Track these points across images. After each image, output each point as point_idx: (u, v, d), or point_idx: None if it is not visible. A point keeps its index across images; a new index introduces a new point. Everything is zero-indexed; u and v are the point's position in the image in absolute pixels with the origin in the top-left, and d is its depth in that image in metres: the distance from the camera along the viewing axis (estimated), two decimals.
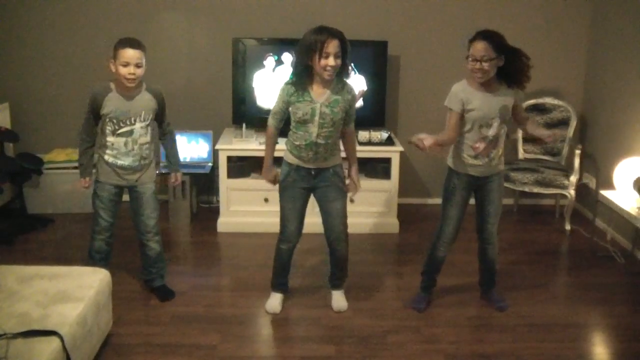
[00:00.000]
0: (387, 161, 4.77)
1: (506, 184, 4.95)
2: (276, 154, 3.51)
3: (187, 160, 5.07)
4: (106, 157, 3.48)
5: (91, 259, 3.65)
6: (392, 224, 4.89)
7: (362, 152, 4.72)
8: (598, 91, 5.20)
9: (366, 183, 4.74)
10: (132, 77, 3.32)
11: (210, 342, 3.30)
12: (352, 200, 3.70)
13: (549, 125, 5.19)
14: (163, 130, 3.68)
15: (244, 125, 4.86)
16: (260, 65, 4.91)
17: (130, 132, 3.43)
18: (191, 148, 5.10)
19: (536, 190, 4.91)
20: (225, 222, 4.85)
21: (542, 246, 4.70)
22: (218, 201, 4.95)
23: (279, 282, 3.70)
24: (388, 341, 3.34)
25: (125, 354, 3.16)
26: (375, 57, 4.96)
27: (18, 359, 2.36)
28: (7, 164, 4.64)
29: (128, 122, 3.42)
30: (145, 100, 3.46)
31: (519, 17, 5.21)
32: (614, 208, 4.14)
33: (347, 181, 3.54)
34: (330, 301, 3.70)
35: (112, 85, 3.43)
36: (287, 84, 3.31)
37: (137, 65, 3.32)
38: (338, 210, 3.48)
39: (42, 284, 2.93)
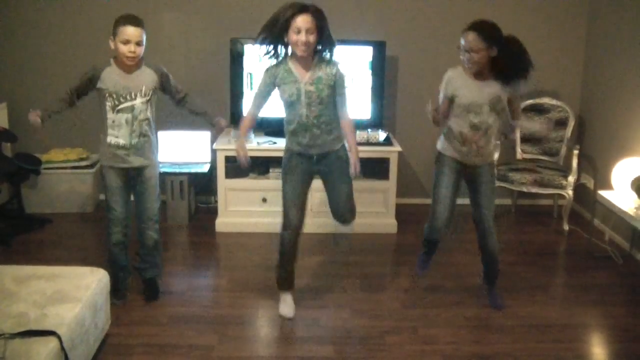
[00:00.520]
0: (385, 161, 4.77)
1: (504, 184, 4.96)
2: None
3: (185, 160, 5.07)
4: (108, 138, 3.41)
5: (111, 254, 3.61)
6: (390, 224, 4.89)
7: (360, 152, 4.70)
8: (596, 91, 5.20)
9: (364, 183, 4.74)
10: (132, 55, 3.27)
11: (208, 342, 3.29)
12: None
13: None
14: (178, 98, 3.59)
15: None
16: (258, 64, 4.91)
17: (131, 108, 3.37)
18: (189, 148, 5.10)
19: (534, 190, 4.91)
20: (224, 222, 4.84)
21: (540, 246, 4.71)
22: (216, 201, 4.95)
23: (284, 278, 3.57)
24: (386, 342, 3.34)
25: (123, 354, 3.16)
26: (373, 58, 4.96)
27: (16, 359, 2.36)
28: (5, 164, 4.64)
29: (128, 97, 3.35)
30: (145, 75, 3.41)
31: (518, 18, 5.21)
32: (612, 208, 4.15)
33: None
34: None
35: (112, 61, 3.39)
36: (270, 67, 3.30)
37: (138, 44, 3.27)
38: (344, 193, 3.44)
39: (39, 284, 2.92)
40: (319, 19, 3.12)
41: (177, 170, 4.96)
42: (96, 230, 4.90)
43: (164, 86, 3.50)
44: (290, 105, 3.28)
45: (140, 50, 3.31)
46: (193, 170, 5.01)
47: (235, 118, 5.00)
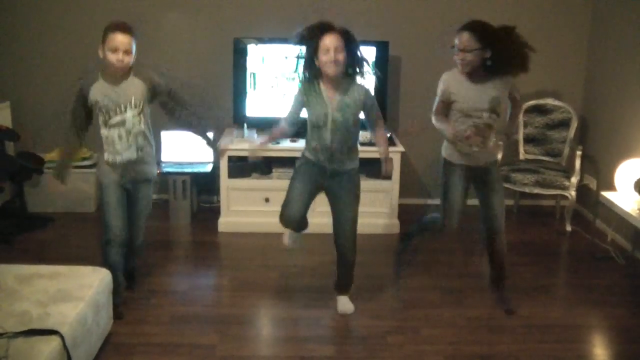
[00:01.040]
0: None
1: (506, 185, 4.95)
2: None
3: (188, 160, 5.07)
4: (105, 155, 3.34)
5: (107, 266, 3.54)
6: (392, 224, 4.89)
7: (363, 152, 4.70)
8: (599, 92, 5.20)
9: (367, 183, 4.74)
10: (120, 64, 3.16)
11: (209, 342, 3.30)
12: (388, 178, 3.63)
13: (550, 127, 5.19)
14: (172, 108, 3.51)
15: (244, 125, 4.86)
16: (261, 65, 4.92)
17: (123, 122, 3.26)
18: (192, 148, 5.10)
19: (536, 191, 4.91)
20: (226, 222, 4.85)
21: (542, 247, 4.70)
22: (219, 201, 4.96)
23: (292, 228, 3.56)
24: (388, 342, 3.34)
25: (125, 353, 3.17)
26: (376, 58, 4.96)
27: (18, 358, 2.36)
28: (8, 163, 4.65)
29: (118, 111, 3.24)
30: (134, 86, 3.28)
31: (520, 18, 5.18)
32: (615, 209, 4.14)
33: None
34: (336, 304, 3.66)
35: (100, 75, 3.28)
36: (303, 84, 3.27)
37: (126, 52, 3.16)
38: (350, 216, 3.42)
39: (42, 283, 2.93)
40: (347, 39, 3.13)
41: (180, 170, 4.97)
42: (98, 230, 4.89)
43: (157, 93, 3.39)
44: (316, 128, 3.26)
45: (129, 59, 3.20)
46: (196, 169, 5.01)
47: (238, 118, 5.01)
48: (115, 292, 3.39)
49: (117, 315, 3.39)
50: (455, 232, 3.59)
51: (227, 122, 5.16)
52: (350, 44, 3.14)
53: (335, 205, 3.45)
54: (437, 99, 3.44)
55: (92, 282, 3.01)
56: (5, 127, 4.79)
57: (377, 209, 4.82)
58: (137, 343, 3.26)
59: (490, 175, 3.50)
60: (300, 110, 3.33)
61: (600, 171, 5.04)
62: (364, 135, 4.81)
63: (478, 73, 3.30)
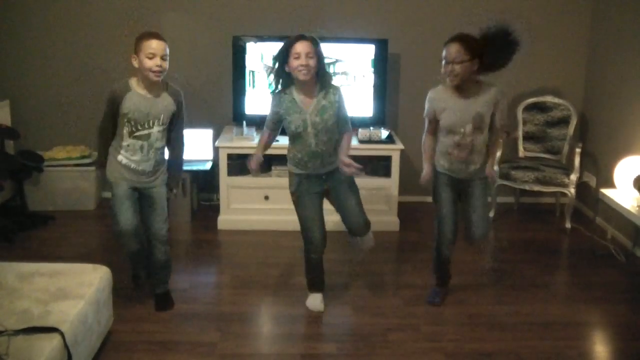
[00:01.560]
0: (387, 159, 4.78)
1: (506, 182, 4.96)
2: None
3: (188, 158, 5.06)
4: (119, 157, 3.33)
5: (134, 275, 3.71)
6: (392, 222, 4.89)
7: (363, 150, 4.73)
8: (598, 90, 5.20)
9: (366, 181, 4.75)
10: (159, 69, 3.17)
11: (210, 339, 3.30)
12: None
13: (550, 124, 5.20)
14: (174, 134, 3.48)
15: (244, 123, 4.86)
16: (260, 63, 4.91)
17: (148, 136, 3.29)
18: (192, 146, 5.10)
19: (536, 188, 4.91)
20: (226, 220, 4.85)
21: (542, 244, 4.70)
22: (218, 199, 4.95)
23: (316, 283, 3.65)
24: (389, 339, 3.34)
25: (125, 351, 3.17)
26: (375, 55, 4.96)
27: (19, 356, 2.36)
28: (8, 161, 4.64)
29: (146, 125, 3.27)
30: (165, 103, 3.31)
31: (520, 16, 5.19)
32: (615, 206, 4.14)
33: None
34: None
35: (132, 83, 3.26)
36: (274, 94, 3.32)
37: (163, 58, 3.19)
38: (354, 206, 3.48)
39: (42, 281, 2.93)
40: (316, 45, 3.20)
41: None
42: (99, 228, 4.91)
43: (174, 115, 3.39)
44: (297, 136, 3.29)
45: (166, 66, 3.21)
46: (195, 167, 5.01)
47: (237, 116, 5.01)
48: (136, 266, 3.65)
49: (140, 286, 3.71)
50: (452, 241, 3.58)
51: (226, 120, 5.17)
52: (318, 50, 3.21)
53: (339, 200, 3.49)
54: (426, 120, 3.50)
55: (93, 280, 3.01)
56: (6, 125, 4.79)
57: (377, 206, 4.82)
58: (137, 341, 3.26)
59: (472, 189, 3.51)
60: (278, 120, 3.35)
61: (599, 168, 5.04)
62: (363, 133, 4.82)
63: (465, 86, 3.31)
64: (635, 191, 4.05)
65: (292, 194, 3.46)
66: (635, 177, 4.08)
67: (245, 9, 5.14)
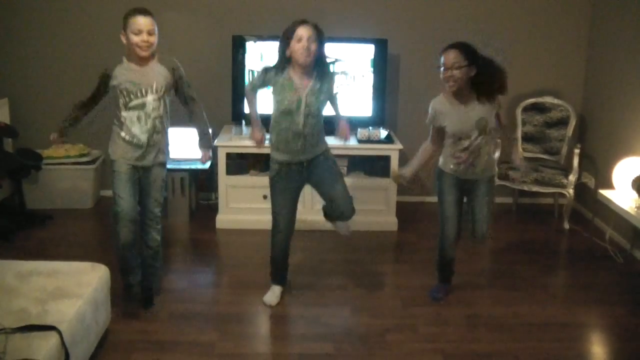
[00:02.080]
0: (386, 159, 4.77)
1: (505, 183, 4.96)
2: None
3: (186, 157, 5.06)
4: (122, 133, 3.35)
5: (121, 259, 3.51)
6: (390, 222, 4.89)
7: (361, 150, 4.73)
8: (597, 91, 5.20)
9: (365, 181, 4.75)
10: (145, 44, 3.20)
11: (208, 339, 3.29)
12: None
13: (549, 125, 5.20)
14: (188, 110, 3.55)
15: (243, 122, 4.86)
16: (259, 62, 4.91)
17: (143, 105, 3.30)
18: (190, 145, 5.09)
19: (535, 189, 4.92)
20: (224, 219, 4.84)
21: (541, 245, 4.71)
22: (217, 198, 4.95)
23: (278, 275, 3.72)
24: (386, 340, 3.34)
25: (123, 350, 3.16)
26: (375, 55, 4.96)
27: (16, 355, 2.36)
28: (6, 159, 4.63)
29: (139, 94, 3.28)
30: (157, 71, 3.33)
31: (519, 16, 5.21)
32: (613, 207, 4.15)
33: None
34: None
35: (124, 59, 3.33)
36: (270, 70, 3.36)
37: (149, 33, 3.21)
38: (340, 192, 3.51)
39: (40, 280, 2.93)
40: (319, 33, 3.27)
41: (178, 167, 4.96)
42: (97, 226, 4.91)
43: (176, 85, 3.43)
44: (286, 113, 3.33)
45: (154, 40, 3.24)
46: (194, 167, 5.00)
47: (237, 115, 5.00)
48: (128, 270, 3.51)
49: (133, 296, 3.55)
50: (454, 241, 3.62)
51: (225, 119, 5.16)
52: (320, 37, 3.28)
53: (322, 186, 3.53)
54: (432, 128, 3.53)
55: (91, 279, 3.01)
56: (4, 123, 4.78)
57: (375, 206, 4.82)
58: (135, 340, 3.25)
59: (478, 190, 3.55)
60: (263, 86, 3.43)
61: (598, 169, 5.05)
62: (362, 133, 4.82)
63: (464, 92, 3.35)
64: (634, 192, 4.06)
65: (270, 179, 3.50)
66: (633, 178, 4.08)
67: (245, 9, 5.13)
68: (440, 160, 3.61)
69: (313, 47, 3.23)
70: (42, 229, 4.73)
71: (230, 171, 4.76)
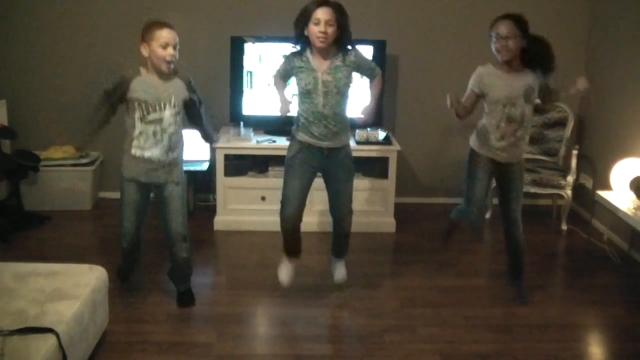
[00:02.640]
0: (384, 160, 4.77)
1: None
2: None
3: (184, 158, 5.05)
4: (133, 150, 3.28)
5: (121, 269, 3.66)
6: (389, 223, 4.89)
7: (360, 151, 4.72)
8: (596, 92, 5.20)
9: (363, 182, 4.75)
10: (171, 59, 3.16)
11: (206, 340, 3.29)
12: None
13: (547, 126, 5.20)
14: (195, 119, 3.50)
15: (241, 123, 4.86)
16: (258, 63, 4.91)
17: (160, 120, 3.24)
18: (188, 146, 5.08)
19: (533, 190, 4.92)
20: (222, 221, 4.84)
21: (539, 246, 4.71)
22: (215, 199, 4.95)
23: (289, 248, 3.60)
24: (385, 340, 3.34)
25: (121, 352, 3.16)
26: (373, 56, 4.95)
27: (14, 357, 2.35)
28: (4, 161, 4.63)
29: (157, 108, 3.22)
30: (176, 86, 3.29)
31: None
32: (611, 209, 4.15)
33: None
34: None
35: (142, 70, 3.24)
36: (289, 55, 3.33)
37: (175, 47, 3.17)
38: (348, 192, 3.51)
39: (38, 282, 2.92)
40: (340, 14, 3.18)
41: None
42: (95, 228, 4.91)
43: (188, 98, 3.37)
44: (306, 94, 3.28)
45: (177, 55, 3.21)
46: (192, 168, 5.00)
47: (234, 116, 5.00)
48: (127, 268, 3.67)
49: (123, 277, 3.70)
50: (478, 225, 3.68)
51: (223, 120, 5.16)
52: (341, 18, 3.21)
53: (333, 183, 3.50)
54: (467, 91, 3.50)
55: (89, 280, 3.00)
56: (2, 125, 4.78)
57: (373, 207, 4.82)
58: (133, 342, 3.25)
59: (514, 175, 3.57)
60: (287, 73, 3.39)
61: (596, 170, 5.05)
62: (360, 134, 4.82)
63: (514, 63, 3.38)
64: (632, 193, 4.06)
65: (288, 159, 3.44)
66: (631, 179, 4.08)
67: (244, 10, 5.13)
68: (472, 140, 3.61)
69: (330, 31, 3.15)
70: (40, 231, 4.73)
71: (228, 172, 4.76)
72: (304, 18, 3.19)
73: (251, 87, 4.96)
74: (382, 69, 4.95)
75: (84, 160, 5.12)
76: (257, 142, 4.78)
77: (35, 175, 4.97)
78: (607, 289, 4.01)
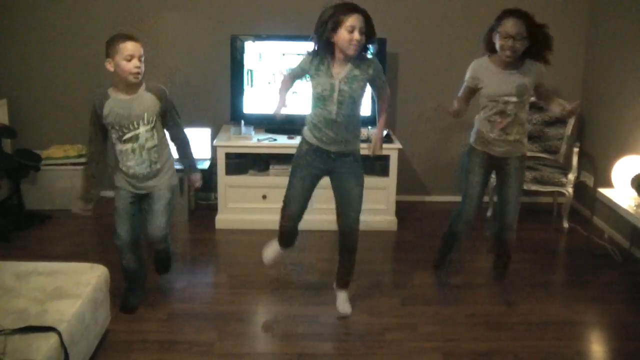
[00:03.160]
0: (385, 158, 4.77)
1: None
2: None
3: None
4: (120, 165, 3.33)
5: (125, 277, 3.56)
6: (390, 221, 4.89)
7: (361, 149, 4.71)
8: (596, 89, 5.20)
9: (365, 180, 4.73)
10: (138, 70, 3.12)
11: (208, 339, 3.29)
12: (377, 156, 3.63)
13: (547, 124, 5.20)
14: (171, 133, 3.48)
15: (242, 122, 4.86)
16: (258, 61, 4.91)
17: (136, 138, 3.24)
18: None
19: (534, 188, 4.91)
20: (223, 219, 4.84)
21: (540, 244, 4.71)
22: (216, 198, 4.95)
23: (285, 244, 3.60)
24: (386, 339, 3.35)
25: (122, 350, 3.16)
26: (373, 55, 4.94)
27: (16, 355, 2.36)
28: (5, 160, 4.63)
29: (131, 127, 3.21)
30: (146, 101, 3.24)
31: None
32: (612, 206, 4.14)
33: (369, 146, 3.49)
34: (335, 302, 3.63)
35: (110, 91, 3.23)
36: (309, 54, 3.24)
37: (140, 59, 3.13)
38: (356, 199, 3.40)
39: (39, 281, 2.93)
40: (369, 21, 3.11)
41: (177, 167, 4.94)
42: (96, 227, 4.91)
43: (164, 112, 3.33)
44: (320, 99, 3.22)
45: (143, 67, 3.16)
46: None
47: (235, 115, 5.00)
48: (130, 289, 3.54)
49: (130, 309, 3.53)
50: (470, 221, 3.62)
51: (224, 119, 5.16)
52: (369, 26, 3.12)
53: (341, 189, 3.41)
54: (463, 85, 3.49)
55: (90, 279, 3.01)
56: (3, 124, 4.78)
57: (375, 205, 4.81)
58: (134, 340, 3.25)
59: (509, 168, 3.53)
60: (301, 74, 3.30)
61: (597, 168, 5.05)
62: (362, 132, 4.81)
63: (512, 61, 3.34)
64: (633, 191, 4.06)
65: (295, 158, 3.40)
66: (633, 176, 4.08)
67: (244, 8, 5.13)
68: (472, 136, 3.60)
69: (362, 39, 3.08)
70: (41, 230, 4.73)
71: (229, 171, 4.76)
72: (333, 24, 3.06)
73: (252, 85, 4.96)
74: (382, 67, 4.98)
75: (84, 160, 5.11)
76: (258, 140, 4.79)
77: (36, 175, 4.98)
78: (608, 287, 4.01)
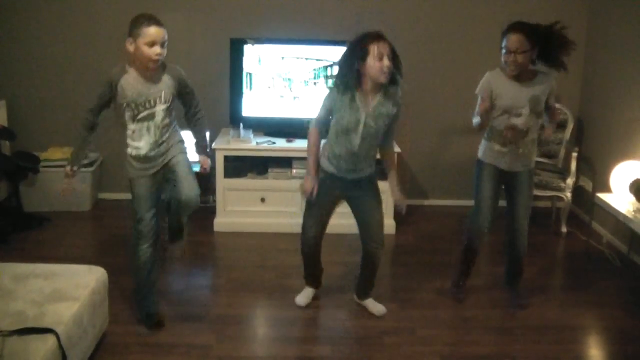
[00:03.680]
0: (383, 163, 4.76)
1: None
2: None
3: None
4: (129, 150, 3.19)
5: (137, 278, 3.38)
6: (388, 224, 4.87)
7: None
8: (595, 94, 5.21)
9: None
10: (159, 57, 3.00)
11: (206, 342, 3.29)
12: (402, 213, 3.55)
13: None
14: (192, 115, 3.39)
15: (241, 125, 4.86)
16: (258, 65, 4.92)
17: (152, 116, 3.13)
18: (188, 147, 5.08)
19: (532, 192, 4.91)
20: (222, 222, 4.84)
21: (538, 248, 4.71)
22: (214, 201, 4.95)
23: (309, 275, 3.71)
24: (384, 342, 3.34)
25: (120, 353, 3.16)
26: None
27: (14, 357, 2.35)
28: (4, 162, 4.63)
29: (148, 105, 3.10)
30: (164, 81, 3.15)
31: (517, 18, 5.20)
32: (610, 211, 4.15)
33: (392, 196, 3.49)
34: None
35: (129, 68, 3.08)
36: (332, 89, 3.21)
37: (162, 45, 3.02)
38: (377, 220, 3.42)
39: (37, 283, 2.92)
40: (392, 48, 3.11)
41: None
42: (95, 229, 4.91)
43: (180, 93, 3.27)
44: (344, 132, 3.20)
45: (165, 53, 3.05)
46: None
47: (234, 118, 5.00)
48: (145, 294, 3.41)
49: (158, 323, 3.40)
50: (484, 232, 3.62)
51: (223, 122, 5.16)
52: (394, 53, 3.13)
53: (361, 211, 3.43)
54: (478, 99, 3.47)
55: (88, 281, 3.00)
56: (1, 126, 4.78)
57: None
58: (132, 343, 3.25)
59: (521, 182, 3.56)
60: (329, 114, 3.26)
61: (596, 173, 5.05)
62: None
63: (523, 72, 3.36)
64: (631, 196, 4.06)
65: (313, 187, 3.37)
66: (631, 181, 4.08)
67: (243, 11, 5.14)
68: (480, 150, 3.61)
69: (391, 65, 3.08)
70: (40, 232, 4.72)
71: (228, 174, 4.76)
72: (360, 52, 3.05)
73: (251, 88, 4.96)
74: None
75: (83, 161, 5.10)
76: (257, 143, 4.79)
77: (35, 177, 4.97)
78: (606, 291, 4.02)
